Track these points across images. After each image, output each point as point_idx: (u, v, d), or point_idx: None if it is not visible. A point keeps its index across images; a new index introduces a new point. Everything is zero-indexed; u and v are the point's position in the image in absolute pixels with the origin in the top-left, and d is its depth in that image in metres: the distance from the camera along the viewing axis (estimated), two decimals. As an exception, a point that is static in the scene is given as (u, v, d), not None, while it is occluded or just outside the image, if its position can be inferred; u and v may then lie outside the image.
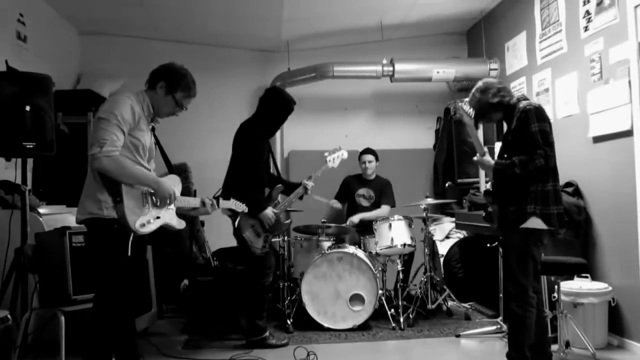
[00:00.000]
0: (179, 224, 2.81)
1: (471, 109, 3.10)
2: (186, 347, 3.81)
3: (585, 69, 3.89)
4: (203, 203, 2.94)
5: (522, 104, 2.93)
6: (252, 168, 3.73)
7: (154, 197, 2.64)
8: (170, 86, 2.74)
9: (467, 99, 3.17)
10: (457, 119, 3.19)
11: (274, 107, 3.80)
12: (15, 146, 3.10)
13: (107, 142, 2.43)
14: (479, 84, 3.08)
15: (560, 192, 2.96)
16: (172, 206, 2.75)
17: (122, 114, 2.51)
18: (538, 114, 2.86)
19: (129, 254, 2.56)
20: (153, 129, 2.81)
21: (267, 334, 3.74)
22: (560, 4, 4.22)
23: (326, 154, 4.08)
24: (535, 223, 2.82)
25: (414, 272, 4.80)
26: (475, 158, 3.08)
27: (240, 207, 3.36)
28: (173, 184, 2.75)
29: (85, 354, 2.59)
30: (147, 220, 2.58)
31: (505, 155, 2.98)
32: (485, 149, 3.05)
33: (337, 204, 5.15)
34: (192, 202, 2.94)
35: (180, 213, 2.87)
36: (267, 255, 3.79)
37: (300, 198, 3.94)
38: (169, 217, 2.73)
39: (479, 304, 4.71)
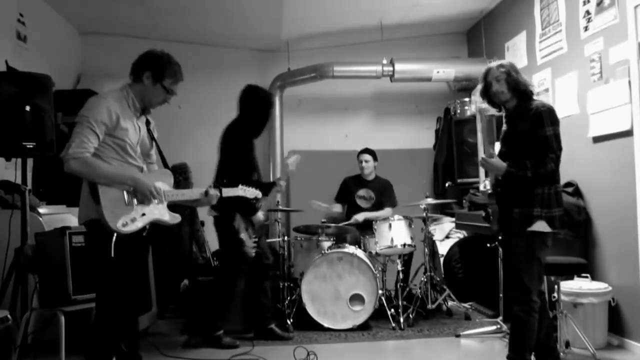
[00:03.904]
0: (172, 218, 2.74)
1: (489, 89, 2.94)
2: (186, 347, 3.81)
3: (585, 69, 3.89)
4: (206, 193, 2.85)
5: (535, 103, 2.88)
6: (243, 169, 3.71)
7: (137, 195, 2.59)
8: (157, 75, 2.70)
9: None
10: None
11: (254, 104, 3.81)
12: (15, 146, 3.11)
13: (73, 144, 2.43)
14: (506, 63, 2.94)
15: (561, 193, 2.94)
16: (163, 201, 2.68)
17: (95, 116, 2.49)
18: (552, 117, 2.83)
19: (112, 254, 2.51)
20: (148, 122, 2.77)
21: (221, 332, 3.72)
22: (560, 4, 4.22)
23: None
24: (541, 226, 2.79)
25: (414, 272, 4.80)
26: (482, 158, 2.96)
27: (253, 192, 3.18)
28: (162, 178, 2.70)
29: (87, 355, 2.59)
30: (131, 219, 2.53)
31: (508, 155, 2.92)
32: (491, 150, 3.00)
33: (338, 208, 5.10)
34: (189, 194, 2.85)
35: (182, 205, 2.82)
36: (263, 255, 3.87)
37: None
38: (158, 212, 2.67)
39: (479, 304, 4.70)
